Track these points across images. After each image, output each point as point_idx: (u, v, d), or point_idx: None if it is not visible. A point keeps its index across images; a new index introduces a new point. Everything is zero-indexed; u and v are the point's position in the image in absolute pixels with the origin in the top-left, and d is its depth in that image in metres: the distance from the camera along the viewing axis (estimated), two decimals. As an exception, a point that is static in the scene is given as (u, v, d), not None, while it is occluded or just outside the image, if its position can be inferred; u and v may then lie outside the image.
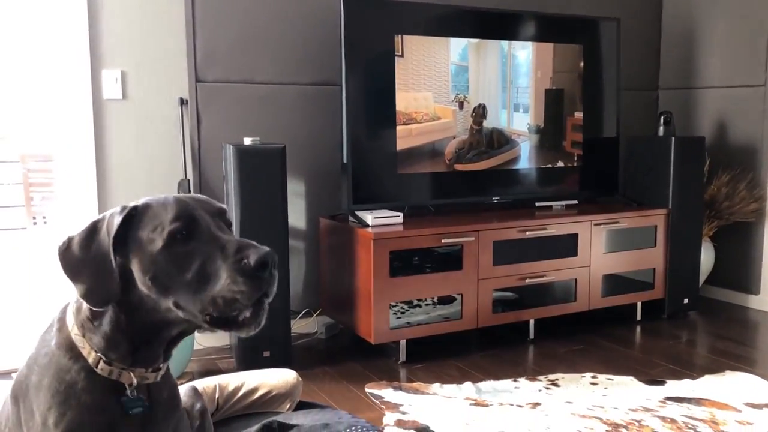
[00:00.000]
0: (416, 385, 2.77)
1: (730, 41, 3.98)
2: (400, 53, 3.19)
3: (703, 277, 3.98)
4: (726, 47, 4.00)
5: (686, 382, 2.80)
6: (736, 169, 3.94)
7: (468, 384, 2.76)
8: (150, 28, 3.04)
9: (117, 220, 1.20)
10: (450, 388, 2.73)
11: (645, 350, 3.24)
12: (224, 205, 1.30)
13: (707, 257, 3.94)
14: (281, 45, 3.29)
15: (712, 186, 3.89)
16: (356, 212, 3.13)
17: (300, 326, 3.40)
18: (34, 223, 5.17)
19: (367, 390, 2.72)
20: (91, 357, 1.24)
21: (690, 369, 2.97)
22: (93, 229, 1.23)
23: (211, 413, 2.08)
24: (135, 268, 1.19)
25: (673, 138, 3.62)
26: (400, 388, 2.72)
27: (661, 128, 3.77)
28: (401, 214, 3.14)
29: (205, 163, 3.18)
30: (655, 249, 3.63)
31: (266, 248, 1.15)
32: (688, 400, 2.60)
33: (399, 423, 2.38)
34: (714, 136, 4.09)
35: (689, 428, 2.35)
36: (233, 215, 2.81)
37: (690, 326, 3.62)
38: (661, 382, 2.80)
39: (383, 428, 2.33)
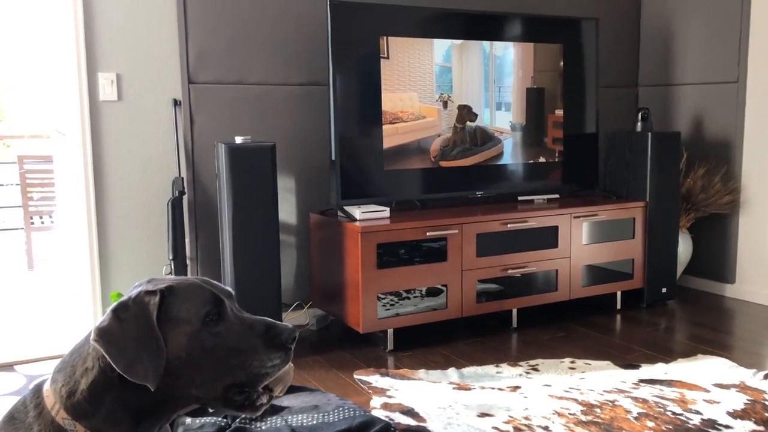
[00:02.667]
0: (403, 371, 2.90)
1: (705, 40, 4.13)
2: (385, 55, 3.32)
3: (681, 268, 4.13)
4: (701, 45, 4.15)
5: (660, 365, 2.95)
6: (711, 162, 4.08)
7: (452, 370, 2.90)
8: (144, 32, 3.16)
9: (154, 301, 1.24)
10: (435, 374, 2.86)
11: (623, 337, 3.38)
12: (231, 289, 1.38)
13: (685, 248, 4.09)
14: (271, 47, 3.41)
15: (688, 179, 4.04)
16: (345, 207, 3.25)
17: (291, 318, 3.53)
18: (32, 223, 5.28)
19: (355, 376, 2.85)
20: None
21: (665, 354, 3.11)
22: (124, 318, 1.24)
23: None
24: (168, 346, 1.24)
25: (650, 133, 3.76)
26: (387, 374, 2.85)
27: (639, 124, 3.91)
28: (388, 209, 3.27)
29: (198, 161, 3.30)
30: (633, 240, 3.78)
31: (289, 324, 1.32)
32: (660, 382, 2.74)
33: (385, 406, 2.51)
34: (690, 131, 4.24)
35: (659, 407, 2.49)
36: (226, 211, 2.94)
37: (668, 314, 3.76)
38: (636, 366, 2.94)
39: (370, 410, 2.46)
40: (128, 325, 1.22)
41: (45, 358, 3.08)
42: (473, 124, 3.57)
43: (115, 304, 1.27)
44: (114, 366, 1.20)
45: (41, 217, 5.40)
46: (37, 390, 1.29)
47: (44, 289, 4.49)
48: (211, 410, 1.42)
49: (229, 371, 1.26)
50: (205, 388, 1.26)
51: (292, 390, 2.42)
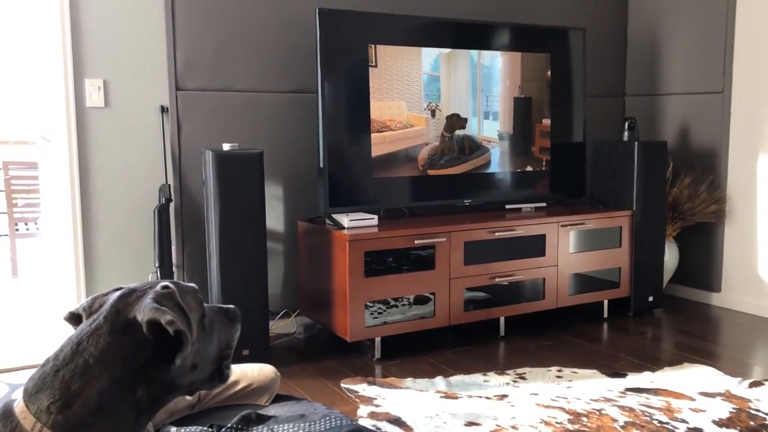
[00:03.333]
0: (390, 380, 2.89)
1: (690, 50, 4.16)
2: (373, 63, 3.32)
3: (668, 276, 4.15)
4: (687, 56, 4.19)
5: (646, 374, 2.95)
6: (697, 171, 4.12)
7: (439, 378, 2.89)
8: (131, 38, 3.15)
9: (172, 291, 1.38)
10: (422, 383, 2.86)
11: (610, 346, 3.39)
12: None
13: (672, 257, 4.11)
14: (259, 54, 3.41)
15: (674, 188, 4.06)
16: (333, 215, 3.25)
17: (279, 326, 3.51)
18: (17, 230, 5.23)
19: (342, 385, 2.83)
20: None
21: (651, 362, 3.12)
22: (169, 306, 1.34)
23: (193, 404, 2.19)
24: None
25: (636, 142, 3.79)
26: (374, 383, 2.84)
27: (626, 133, 3.94)
28: (376, 217, 3.27)
29: (185, 168, 3.28)
30: (620, 249, 3.79)
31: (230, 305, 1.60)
32: (647, 391, 2.75)
33: (372, 415, 2.50)
34: (676, 140, 4.27)
35: (646, 416, 2.50)
36: (213, 219, 2.92)
37: (654, 323, 3.78)
38: (623, 375, 2.95)
39: (357, 419, 2.45)
40: (177, 312, 1.34)
41: (29, 366, 3.05)
42: (461, 133, 3.58)
43: (151, 304, 1.32)
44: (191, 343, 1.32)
45: (26, 224, 5.35)
46: (8, 413, 1.26)
47: (29, 296, 4.44)
48: (189, 397, 1.60)
49: (220, 348, 1.46)
50: (201, 369, 1.39)
51: (278, 399, 2.41)
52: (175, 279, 3.23)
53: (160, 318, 1.27)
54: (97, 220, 3.15)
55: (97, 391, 1.24)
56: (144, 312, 1.29)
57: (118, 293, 1.37)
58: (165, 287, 1.36)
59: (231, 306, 1.57)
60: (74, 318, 1.45)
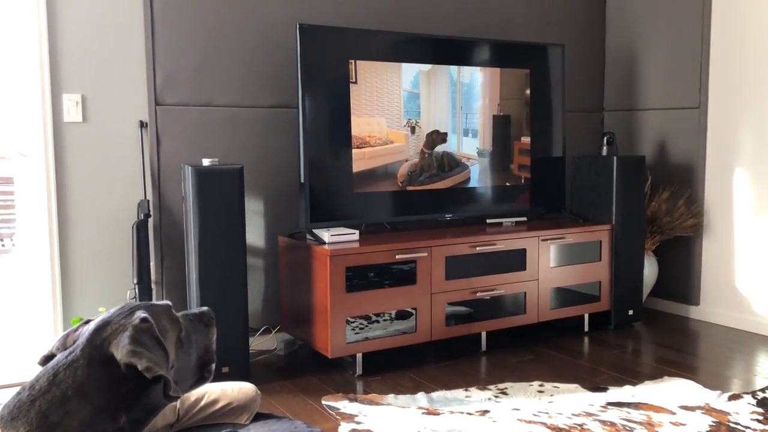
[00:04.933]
0: (371, 396, 2.87)
1: (667, 66, 4.22)
2: (354, 79, 3.33)
3: (647, 290, 4.18)
4: (664, 72, 4.25)
5: (627, 388, 2.96)
6: (675, 186, 4.16)
7: (421, 394, 2.88)
8: (110, 53, 3.13)
9: (149, 325, 1.40)
10: (404, 399, 2.84)
11: (591, 359, 3.40)
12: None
13: (651, 270, 4.14)
14: (239, 69, 3.40)
15: (653, 202, 4.10)
16: (314, 230, 3.24)
17: (259, 343, 3.48)
18: (-8, 246, 5.15)
19: (323, 402, 2.81)
20: None
21: (632, 376, 3.13)
22: (149, 344, 1.36)
23: (172, 423, 2.16)
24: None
25: (615, 157, 3.82)
26: (355, 400, 2.82)
27: (605, 148, 3.97)
28: (357, 232, 3.26)
29: (164, 183, 3.26)
30: (600, 263, 3.81)
31: (203, 308, 1.65)
32: (628, 405, 2.76)
33: (354, 432, 2.48)
34: (655, 155, 4.32)
35: (627, 430, 2.50)
36: (192, 235, 2.90)
37: (634, 336, 3.80)
38: (604, 389, 2.95)
39: (338, 437, 2.42)
40: (155, 349, 1.37)
41: (2, 386, 2.99)
42: (441, 150, 3.59)
43: (128, 347, 1.32)
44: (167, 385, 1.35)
45: (2, 240, 5.27)
46: None
47: (3, 313, 4.36)
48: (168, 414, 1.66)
49: (199, 355, 1.51)
50: (182, 383, 1.43)
51: (258, 417, 2.37)
52: (154, 295, 3.20)
53: (137, 363, 1.28)
54: (74, 236, 3.11)
55: (78, 421, 1.23)
56: (121, 353, 1.30)
57: (93, 326, 1.36)
58: (143, 320, 1.34)
59: (205, 309, 1.59)
60: (49, 360, 1.43)
